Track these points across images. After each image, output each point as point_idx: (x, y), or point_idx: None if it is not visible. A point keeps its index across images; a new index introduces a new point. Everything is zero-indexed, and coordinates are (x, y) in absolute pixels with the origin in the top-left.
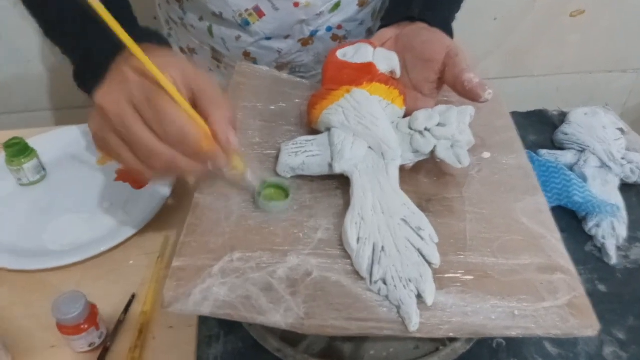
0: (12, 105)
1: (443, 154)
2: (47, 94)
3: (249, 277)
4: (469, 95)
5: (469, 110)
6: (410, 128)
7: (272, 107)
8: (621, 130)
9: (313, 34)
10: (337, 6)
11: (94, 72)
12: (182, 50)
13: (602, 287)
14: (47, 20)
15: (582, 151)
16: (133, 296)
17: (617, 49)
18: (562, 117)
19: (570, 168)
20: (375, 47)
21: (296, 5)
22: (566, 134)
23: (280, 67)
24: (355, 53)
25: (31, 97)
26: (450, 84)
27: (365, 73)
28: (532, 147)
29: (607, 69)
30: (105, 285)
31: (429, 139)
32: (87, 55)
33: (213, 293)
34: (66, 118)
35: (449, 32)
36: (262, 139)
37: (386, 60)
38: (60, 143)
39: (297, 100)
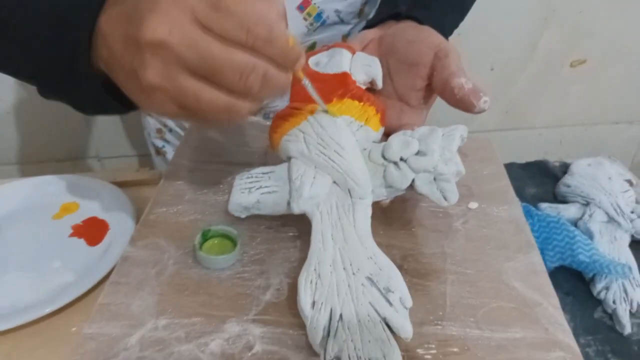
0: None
1: (424, 188)
2: (28, 146)
3: (173, 351)
4: (461, 105)
5: (458, 131)
6: (384, 157)
7: (236, 149)
8: (629, 182)
9: None
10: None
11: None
12: None
13: None
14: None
15: (587, 204)
16: None
17: (623, 99)
18: (565, 168)
19: (574, 223)
20: (353, 53)
21: None
22: (569, 186)
23: None
24: (329, 60)
25: (10, 149)
26: (438, 91)
27: (337, 86)
28: (531, 200)
29: (613, 120)
30: (40, 357)
31: (405, 172)
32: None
33: None
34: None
35: (443, 33)
36: (218, 182)
37: (365, 68)
38: (16, 196)
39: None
